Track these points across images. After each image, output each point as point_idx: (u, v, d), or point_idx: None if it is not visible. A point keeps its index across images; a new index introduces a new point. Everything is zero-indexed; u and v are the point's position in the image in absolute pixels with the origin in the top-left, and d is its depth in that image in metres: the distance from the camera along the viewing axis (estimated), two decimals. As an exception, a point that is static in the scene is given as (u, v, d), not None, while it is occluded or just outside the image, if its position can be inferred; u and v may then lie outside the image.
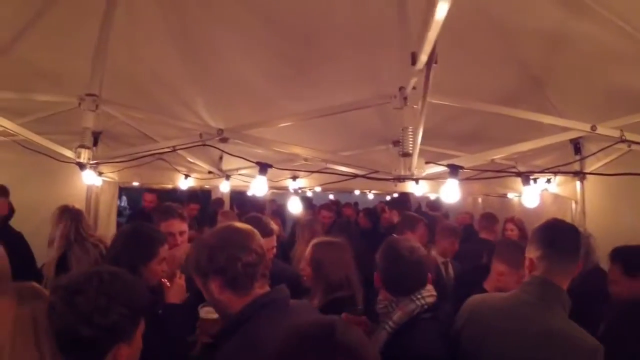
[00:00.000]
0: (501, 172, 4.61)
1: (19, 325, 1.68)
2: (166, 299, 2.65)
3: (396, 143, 4.76)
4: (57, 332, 1.53)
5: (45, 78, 4.00)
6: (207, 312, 2.39)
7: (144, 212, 7.62)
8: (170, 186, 6.68)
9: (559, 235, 2.21)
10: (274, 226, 2.88)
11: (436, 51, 1.76)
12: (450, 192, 2.74)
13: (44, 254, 4.64)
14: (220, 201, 8.01)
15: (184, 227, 3.21)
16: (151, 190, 7.77)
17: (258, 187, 3.25)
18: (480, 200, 9.34)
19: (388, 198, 11.19)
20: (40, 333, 1.67)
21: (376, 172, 2.99)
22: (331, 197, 10.81)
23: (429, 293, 2.33)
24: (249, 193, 3.66)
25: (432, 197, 8.63)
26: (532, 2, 2.97)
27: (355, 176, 3.33)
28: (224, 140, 3.79)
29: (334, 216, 6.76)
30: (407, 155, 2.65)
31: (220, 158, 5.74)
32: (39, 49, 3.71)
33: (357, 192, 8.49)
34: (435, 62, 1.83)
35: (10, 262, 4.16)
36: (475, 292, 3.35)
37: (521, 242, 3.35)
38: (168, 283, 2.70)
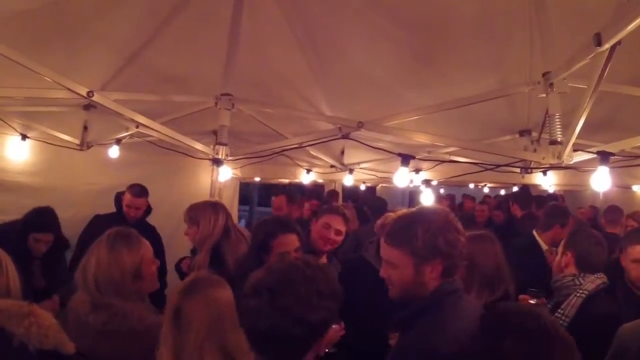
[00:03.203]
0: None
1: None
2: None
3: (523, 132, 4.56)
4: (262, 333, 1.50)
5: (171, 81, 4.25)
6: None
7: None
8: (286, 181, 6.80)
9: None
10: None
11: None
12: (602, 181, 2.59)
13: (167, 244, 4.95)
14: (334, 193, 7.98)
15: (342, 226, 3.23)
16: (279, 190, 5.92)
17: (401, 178, 3.28)
18: (601, 193, 8.69)
19: (502, 192, 10.71)
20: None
21: (521, 160, 2.90)
22: (442, 191, 10.51)
23: (605, 278, 2.83)
24: (396, 184, 3.65)
25: (551, 190, 8.18)
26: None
27: (497, 166, 3.24)
28: (346, 135, 3.85)
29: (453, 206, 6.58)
30: (555, 143, 2.55)
31: (342, 152, 5.80)
32: (165, 55, 3.94)
33: (471, 185, 8.17)
34: (619, 44, 1.73)
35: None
36: (617, 289, 3.18)
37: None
38: None
